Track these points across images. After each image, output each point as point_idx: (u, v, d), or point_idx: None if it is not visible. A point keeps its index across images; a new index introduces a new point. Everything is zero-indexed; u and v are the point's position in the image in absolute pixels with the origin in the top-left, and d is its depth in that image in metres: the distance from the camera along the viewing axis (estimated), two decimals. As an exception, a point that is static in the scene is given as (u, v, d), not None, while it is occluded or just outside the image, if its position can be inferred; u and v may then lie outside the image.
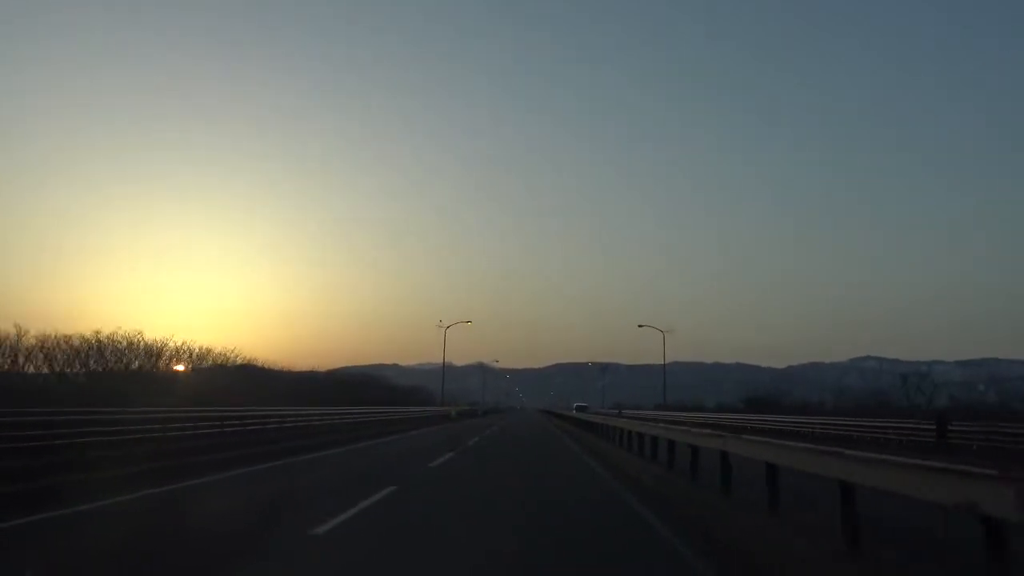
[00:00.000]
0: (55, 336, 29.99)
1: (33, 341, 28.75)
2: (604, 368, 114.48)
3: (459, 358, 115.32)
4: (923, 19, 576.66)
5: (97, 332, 32.07)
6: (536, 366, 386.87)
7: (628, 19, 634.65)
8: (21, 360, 28.32)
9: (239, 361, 47.80)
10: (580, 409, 73.59)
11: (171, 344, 37.27)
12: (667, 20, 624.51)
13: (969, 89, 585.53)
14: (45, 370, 29.33)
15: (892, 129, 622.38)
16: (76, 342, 31.04)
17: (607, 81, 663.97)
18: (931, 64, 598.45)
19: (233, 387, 35.99)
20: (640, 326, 66.26)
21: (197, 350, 40.15)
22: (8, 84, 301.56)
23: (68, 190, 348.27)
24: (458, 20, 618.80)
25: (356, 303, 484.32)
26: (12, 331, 28.05)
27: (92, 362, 31.45)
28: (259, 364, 50.24)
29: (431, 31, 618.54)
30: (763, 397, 66.66)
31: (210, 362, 42.06)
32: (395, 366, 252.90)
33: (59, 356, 30.20)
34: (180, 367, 39.98)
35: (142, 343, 34.86)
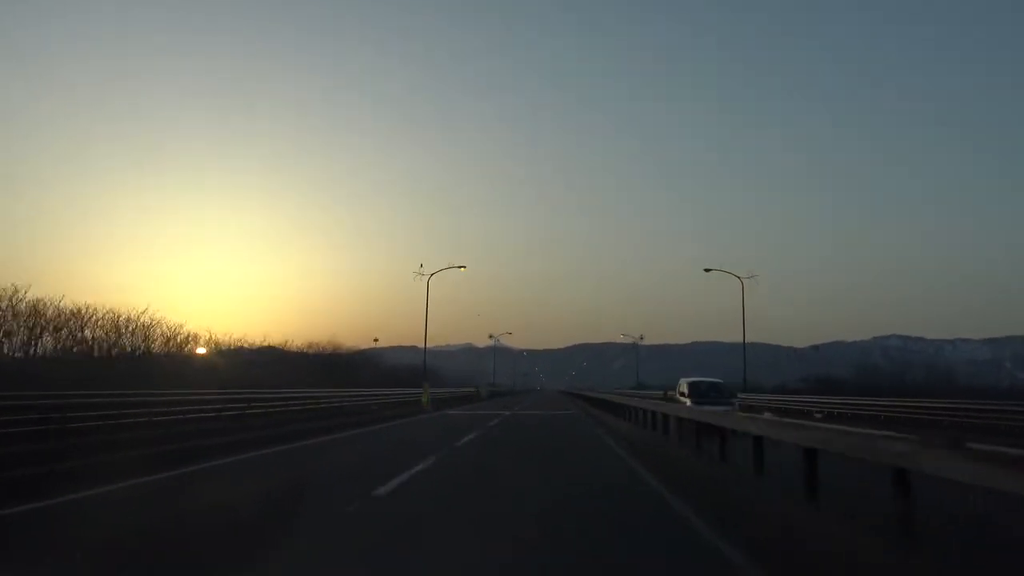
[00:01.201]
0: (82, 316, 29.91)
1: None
2: (639, 340, 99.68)
3: (481, 340, 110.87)
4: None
5: (118, 315, 31.80)
6: (556, 347, 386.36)
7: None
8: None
9: (260, 344, 47.81)
10: (701, 393, 23.78)
11: (192, 329, 37.02)
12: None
13: (993, 71, 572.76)
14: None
15: (921, 108, 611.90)
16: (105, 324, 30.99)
17: (632, 57, 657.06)
18: (972, 43, 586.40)
19: (250, 370, 35.72)
20: (707, 270, 51.56)
21: (228, 337, 40.14)
22: (25, 74, 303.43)
23: (80, 178, 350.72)
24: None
25: (379, 286, 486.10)
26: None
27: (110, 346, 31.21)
28: (279, 346, 50.21)
29: (452, 5, 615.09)
30: (841, 377, 57.05)
31: (235, 345, 42.09)
32: (413, 348, 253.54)
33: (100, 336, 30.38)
34: (201, 350, 39.92)
35: (162, 328, 34.59)
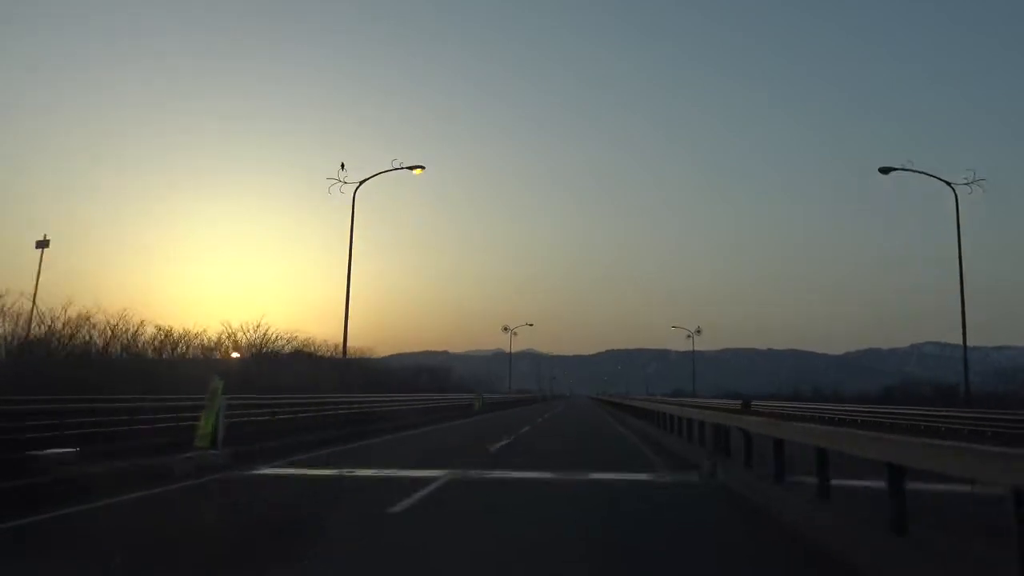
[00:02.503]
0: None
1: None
2: (695, 334, 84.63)
3: (514, 345, 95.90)
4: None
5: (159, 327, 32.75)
6: (587, 352, 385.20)
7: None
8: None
9: (291, 348, 48.44)
10: None
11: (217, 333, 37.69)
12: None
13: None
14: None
15: (957, 110, 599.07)
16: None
17: (668, 60, 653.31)
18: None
19: (286, 375, 36.42)
20: (884, 171, 33.61)
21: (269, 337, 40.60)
22: (59, 84, 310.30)
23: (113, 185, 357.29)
24: (501, 4, 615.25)
25: (408, 291, 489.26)
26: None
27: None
28: (311, 352, 50.71)
29: (487, 12, 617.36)
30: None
31: (267, 349, 42.71)
32: (445, 352, 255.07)
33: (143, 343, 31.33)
34: (236, 354, 40.74)
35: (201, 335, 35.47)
